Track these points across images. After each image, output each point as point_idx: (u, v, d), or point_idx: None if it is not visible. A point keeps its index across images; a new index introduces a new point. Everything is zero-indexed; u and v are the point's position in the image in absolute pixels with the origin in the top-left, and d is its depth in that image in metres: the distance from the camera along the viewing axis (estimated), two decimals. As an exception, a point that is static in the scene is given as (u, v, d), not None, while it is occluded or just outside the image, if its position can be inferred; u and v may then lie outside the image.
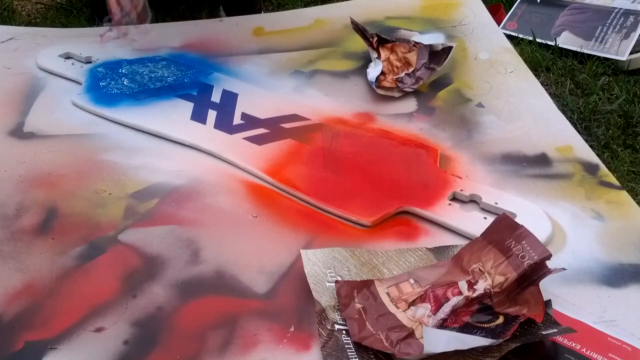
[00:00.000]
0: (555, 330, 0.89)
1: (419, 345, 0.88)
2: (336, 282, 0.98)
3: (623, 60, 1.56)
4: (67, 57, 1.55)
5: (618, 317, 0.96)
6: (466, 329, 0.90)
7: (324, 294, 0.97)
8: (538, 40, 1.67)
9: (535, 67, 1.56)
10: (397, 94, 1.43)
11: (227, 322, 0.97)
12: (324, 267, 1.01)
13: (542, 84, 1.49)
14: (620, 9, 1.69)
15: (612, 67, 1.58)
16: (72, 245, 1.09)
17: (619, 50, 1.57)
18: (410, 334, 0.91)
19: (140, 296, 1.01)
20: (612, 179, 1.22)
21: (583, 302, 0.99)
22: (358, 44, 1.54)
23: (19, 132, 1.33)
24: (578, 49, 1.62)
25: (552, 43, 1.65)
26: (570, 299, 0.99)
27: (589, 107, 1.44)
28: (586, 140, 1.33)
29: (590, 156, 1.27)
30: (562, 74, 1.56)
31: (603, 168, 1.24)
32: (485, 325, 0.90)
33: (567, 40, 1.66)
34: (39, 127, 1.35)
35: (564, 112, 1.40)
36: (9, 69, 1.52)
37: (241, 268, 1.05)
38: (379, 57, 1.47)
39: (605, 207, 1.16)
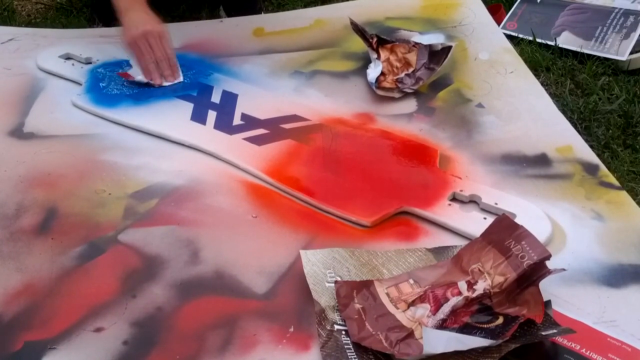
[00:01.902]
0: (554, 330, 0.89)
1: (418, 346, 0.88)
2: (335, 282, 0.98)
3: (623, 60, 1.55)
4: (67, 57, 1.56)
5: (618, 318, 0.96)
6: (466, 329, 0.90)
7: (324, 295, 0.97)
8: (538, 40, 1.66)
9: (535, 67, 1.56)
10: (397, 95, 1.43)
11: (226, 323, 0.97)
12: (323, 267, 1.01)
13: (542, 84, 1.49)
14: (620, 9, 1.69)
15: (612, 67, 1.57)
16: (71, 245, 1.09)
17: (619, 50, 1.57)
18: (410, 334, 0.91)
19: (140, 296, 1.01)
20: (612, 179, 1.22)
21: (583, 303, 0.99)
22: (358, 44, 1.54)
23: (19, 133, 1.34)
24: (578, 49, 1.62)
25: (552, 43, 1.65)
26: (570, 300, 0.98)
27: (589, 107, 1.44)
28: (586, 140, 1.33)
29: (590, 156, 1.27)
30: (562, 74, 1.56)
31: (603, 168, 1.24)
32: (485, 326, 0.90)
33: (567, 40, 1.66)
34: (39, 128, 1.35)
35: (564, 112, 1.40)
36: (9, 69, 1.52)
37: (241, 268, 1.05)
38: (378, 57, 1.47)
39: (605, 208, 1.16)
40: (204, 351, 0.93)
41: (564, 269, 0.96)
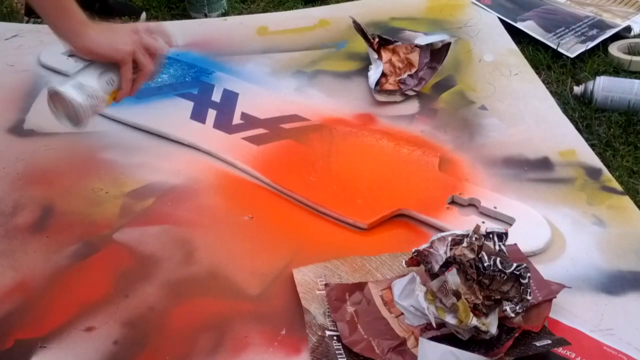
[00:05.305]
0: (549, 341, 0.87)
1: (410, 356, 0.87)
2: (326, 285, 0.97)
3: (571, 56, 1.57)
4: (71, 54, 1.55)
5: (615, 326, 0.94)
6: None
7: (314, 302, 0.96)
8: (507, 20, 1.68)
9: (537, 66, 1.55)
10: (398, 99, 1.41)
11: (218, 324, 0.96)
12: (314, 276, 1.00)
13: (543, 82, 1.48)
14: (593, 19, 1.71)
15: (613, 66, 1.56)
16: (66, 243, 1.09)
17: (570, 49, 1.59)
18: (402, 343, 0.89)
19: (132, 296, 1.00)
20: (615, 184, 1.20)
21: (580, 310, 0.97)
22: (362, 44, 1.53)
23: (19, 130, 1.34)
24: (534, 35, 1.63)
25: (513, 23, 1.67)
26: (567, 307, 0.97)
27: (590, 106, 1.42)
28: (587, 139, 1.31)
29: (594, 161, 1.25)
30: (563, 72, 1.54)
31: (606, 173, 1.22)
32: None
33: (528, 27, 1.66)
34: (39, 125, 1.35)
35: (565, 111, 1.39)
36: (11, 66, 1.53)
37: (234, 269, 1.04)
38: (379, 57, 1.45)
39: (606, 213, 1.14)
40: (195, 352, 0.92)
41: (566, 286, 0.96)
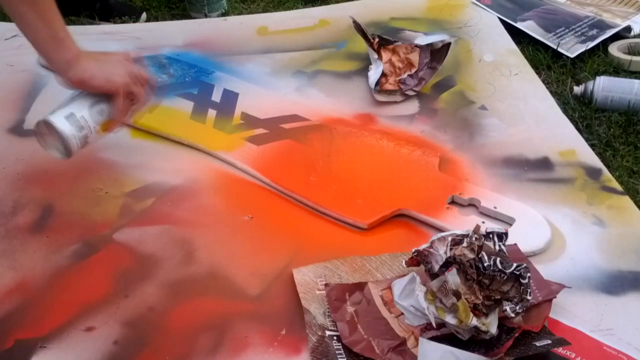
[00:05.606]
0: (549, 341, 0.87)
1: (410, 356, 0.87)
2: (325, 285, 0.97)
3: (571, 57, 1.57)
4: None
5: (615, 326, 0.94)
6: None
7: (314, 302, 0.96)
8: (507, 20, 1.68)
9: (537, 66, 1.55)
10: (399, 99, 1.41)
11: (218, 324, 0.96)
12: (314, 276, 1.00)
13: (543, 82, 1.48)
14: (593, 18, 1.71)
15: (613, 66, 1.56)
16: (66, 243, 1.09)
17: (570, 49, 1.59)
18: (402, 343, 0.89)
19: (132, 296, 1.00)
20: (615, 184, 1.20)
21: (580, 310, 0.97)
22: (362, 44, 1.53)
23: (19, 130, 1.34)
24: (534, 35, 1.63)
25: (513, 23, 1.67)
26: (567, 307, 0.97)
27: (591, 106, 1.42)
28: (587, 139, 1.31)
29: (594, 161, 1.25)
30: (563, 72, 1.54)
31: (606, 173, 1.22)
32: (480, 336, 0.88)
33: (528, 27, 1.66)
34: (40, 125, 1.35)
35: (565, 111, 1.39)
36: (11, 66, 1.53)
37: (234, 269, 1.05)
38: (379, 57, 1.45)
39: (606, 213, 1.14)
40: (195, 352, 0.92)
41: (566, 286, 0.96)
